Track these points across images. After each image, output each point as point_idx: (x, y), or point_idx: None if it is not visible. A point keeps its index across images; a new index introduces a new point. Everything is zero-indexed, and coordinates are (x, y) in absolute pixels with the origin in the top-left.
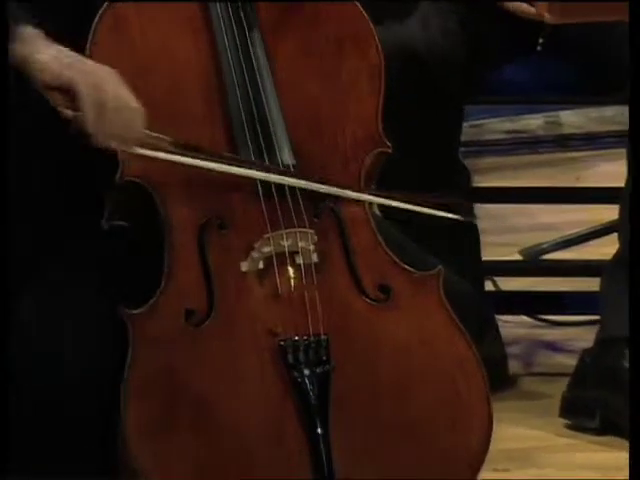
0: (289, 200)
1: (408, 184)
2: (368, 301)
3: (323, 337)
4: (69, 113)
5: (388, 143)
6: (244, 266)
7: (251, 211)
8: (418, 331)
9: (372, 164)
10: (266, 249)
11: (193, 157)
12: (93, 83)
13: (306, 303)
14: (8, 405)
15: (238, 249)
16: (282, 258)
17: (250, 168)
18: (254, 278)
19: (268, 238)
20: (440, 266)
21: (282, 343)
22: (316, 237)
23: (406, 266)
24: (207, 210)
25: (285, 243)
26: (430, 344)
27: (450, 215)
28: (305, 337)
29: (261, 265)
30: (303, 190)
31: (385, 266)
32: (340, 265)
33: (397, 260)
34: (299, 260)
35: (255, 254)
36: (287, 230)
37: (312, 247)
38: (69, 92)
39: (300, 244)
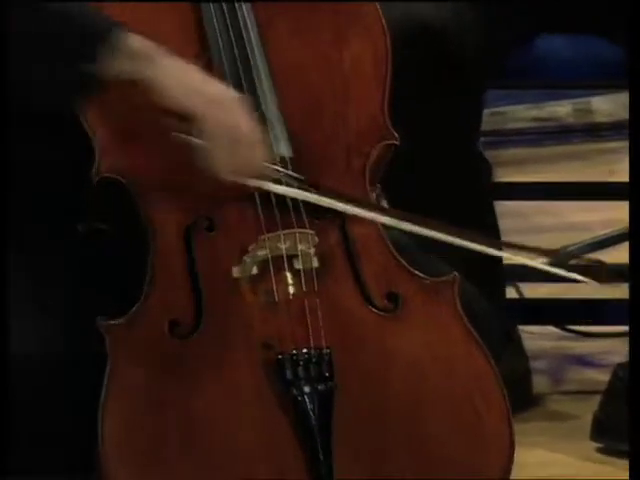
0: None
1: (420, 180)
2: (375, 311)
3: (325, 350)
4: (189, 140)
5: (396, 135)
6: (236, 272)
7: (244, 210)
8: (431, 344)
9: (378, 158)
10: (261, 252)
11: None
12: (223, 118)
13: (306, 313)
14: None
15: (229, 253)
16: (279, 262)
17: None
18: (247, 285)
19: (263, 240)
20: (455, 272)
21: (279, 357)
22: (317, 239)
23: (417, 272)
24: (194, 209)
25: (282, 246)
26: (444, 359)
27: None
28: (305, 350)
29: (255, 270)
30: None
31: (393, 272)
32: (344, 270)
33: (407, 265)
34: (298, 265)
35: (248, 258)
36: (285, 231)
37: (313, 250)
38: (191, 120)
39: (299, 247)
